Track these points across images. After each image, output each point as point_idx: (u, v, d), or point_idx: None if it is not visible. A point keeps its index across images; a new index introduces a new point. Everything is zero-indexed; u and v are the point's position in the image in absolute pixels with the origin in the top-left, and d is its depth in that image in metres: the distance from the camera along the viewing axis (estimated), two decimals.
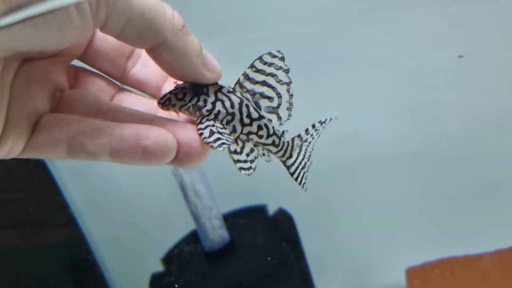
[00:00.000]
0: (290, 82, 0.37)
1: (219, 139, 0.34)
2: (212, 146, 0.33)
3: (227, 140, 0.34)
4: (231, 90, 0.37)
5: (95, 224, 1.16)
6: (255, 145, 0.39)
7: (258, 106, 0.37)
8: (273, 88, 0.37)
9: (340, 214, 1.13)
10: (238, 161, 0.37)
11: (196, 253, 1.00)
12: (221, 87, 0.37)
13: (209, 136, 0.34)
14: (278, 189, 1.13)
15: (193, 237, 1.02)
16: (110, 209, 1.18)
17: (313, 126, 0.41)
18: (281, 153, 0.40)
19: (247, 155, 0.38)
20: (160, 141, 0.31)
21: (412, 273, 0.99)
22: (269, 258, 0.95)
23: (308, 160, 0.42)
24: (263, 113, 0.37)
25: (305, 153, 0.41)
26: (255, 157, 0.39)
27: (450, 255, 1.01)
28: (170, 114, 0.37)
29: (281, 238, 1.00)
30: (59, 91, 0.35)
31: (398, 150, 1.04)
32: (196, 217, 0.97)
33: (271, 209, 1.09)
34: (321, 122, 0.41)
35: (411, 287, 0.97)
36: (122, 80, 0.39)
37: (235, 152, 0.37)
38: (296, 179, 0.41)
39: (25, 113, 0.33)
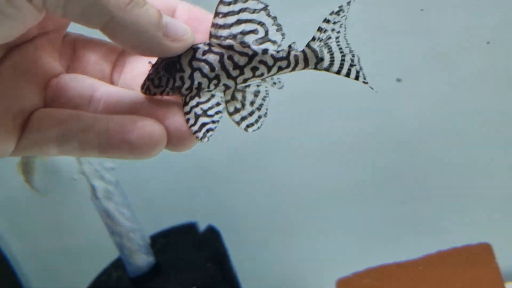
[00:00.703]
0: (266, 6, 0.33)
1: (204, 124, 0.32)
2: (197, 137, 0.31)
3: (212, 123, 0.32)
4: (206, 49, 0.33)
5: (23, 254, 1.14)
6: (259, 84, 0.35)
7: (245, 46, 0.33)
8: (251, 20, 0.33)
9: (269, 228, 1.11)
10: (242, 118, 0.34)
11: (122, 279, 0.98)
12: (195, 50, 0.33)
13: (195, 123, 0.32)
14: (209, 205, 1.12)
15: (120, 262, 1.00)
16: (39, 236, 1.15)
17: (326, 20, 0.35)
18: (300, 66, 0.34)
19: (252, 103, 0.35)
20: (145, 133, 0.30)
21: (342, 285, 0.98)
22: (193, 282, 0.93)
23: (353, 55, 0.36)
24: (253, 49, 0.33)
25: (340, 48, 0.35)
26: (264, 98, 0.35)
27: (380, 263, 0.99)
28: None
29: (208, 258, 0.98)
30: (54, 77, 0.34)
31: (328, 160, 1.03)
32: (118, 243, 0.95)
33: (202, 226, 1.07)
34: (336, 13, 0.35)
35: None
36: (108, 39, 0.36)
37: (236, 111, 0.34)
38: (348, 76, 0.36)
39: (12, 113, 0.32)
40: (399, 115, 0.97)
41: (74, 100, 0.33)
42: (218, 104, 0.33)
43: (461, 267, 0.91)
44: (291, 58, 0.34)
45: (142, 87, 0.34)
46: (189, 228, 1.07)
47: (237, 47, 0.33)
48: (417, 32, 0.89)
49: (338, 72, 0.36)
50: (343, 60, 0.35)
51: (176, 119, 0.32)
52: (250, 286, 1.04)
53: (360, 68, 0.36)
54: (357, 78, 0.36)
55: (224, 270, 1.00)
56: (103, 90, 0.34)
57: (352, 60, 0.36)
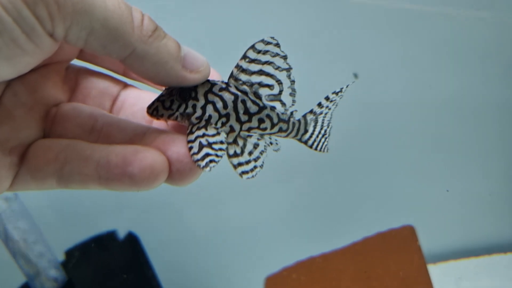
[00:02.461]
0: (290, 68, 0.34)
1: (207, 155, 0.31)
2: (199, 166, 0.31)
3: (216, 156, 0.32)
4: (223, 86, 0.33)
5: None
6: (260, 138, 0.35)
7: (258, 96, 0.33)
8: (271, 76, 0.33)
9: (194, 229, 1.07)
10: (239, 164, 0.34)
11: None
12: (213, 85, 0.33)
13: (198, 152, 0.31)
14: (128, 210, 1.06)
15: (28, 286, 0.92)
16: None
17: (327, 98, 0.37)
18: (293, 134, 0.36)
19: (250, 153, 0.35)
20: (146, 165, 0.29)
21: (271, 282, 0.95)
22: None
23: (328, 127, 0.38)
24: (264, 102, 0.34)
25: (323, 123, 0.38)
26: (261, 152, 0.35)
27: (308, 256, 0.97)
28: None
29: (126, 268, 0.93)
30: (54, 106, 0.33)
31: None
32: (21, 265, 0.88)
33: (122, 234, 1.02)
34: (336, 92, 0.37)
35: None
36: (125, 75, 0.36)
37: (235, 154, 0.34)
38: (316, 149, 0.38)
39: (8, 148, 0.31)
40: None
41: (74, 130, 0.33)
42: (222, 142, 0.33)
43: (386, 251, 0.90)
44: (290, 123, 0.36)
45: (150, 107, 0.33)
46: (108, 238, 1.01)
47: (251, 95, 0.34)
48: None
49: (311, 146, 0.38)
50: (319, 133, 0.38)
51: (178, 150, 0.31)
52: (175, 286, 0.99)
53: (328, 135, 0.39)
54: (316, 149, 0.38)
55: (145, 278, 0.94)
56: (104, 120, 0.33)
57: (325, 132, 0.38)
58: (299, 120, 0.36)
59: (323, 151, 0.38)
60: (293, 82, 0.35)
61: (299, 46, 0.84)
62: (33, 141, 0.32)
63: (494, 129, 0.96)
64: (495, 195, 1.00)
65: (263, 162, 0.35)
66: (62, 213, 1.04)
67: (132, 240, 0.99)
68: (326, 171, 1.00)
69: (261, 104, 0.34)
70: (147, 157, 0.29)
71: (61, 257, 0.95)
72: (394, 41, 0.91)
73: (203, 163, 0.31)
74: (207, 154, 0.31)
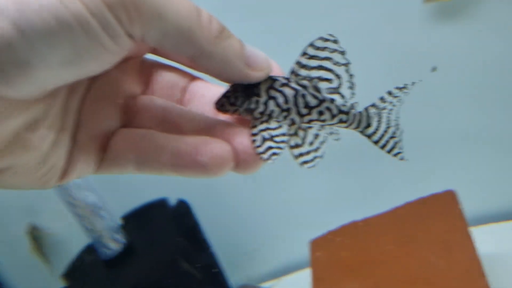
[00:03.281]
0: (348, 63, 0.35)
1: (270, 148, 0.34)
2: (262, 158, 0.33)
3: (278, 148, 0.34)
4: (284, 82, 0.35)
5: None
6: (320, 128, 0.37)
7: (317, 90, 0.35)
8: (330, 70, 0.35)
9: (240, 196, 1.11)
10: (300, 154, 0.36)
11: (95, 262, 0.98)
12: (274, 80, 0.35)
13: (261, 145, 0.34)
14: (177, 180, 1.11)
15: (92, 247, 1.00)
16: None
17: (390, 92, 0.38)
18: (354, 126, 0.37)
19: (311, 144, 0.36)
20: (216, 155, 0.32)
21: (316, 245, 0.99)
22: (165, 257, 0.93)
23: (397, 129, 0.39)
24: (324, 95, 0.36)
25: (388, 120, 0.39)
26: (322, 143, 0.37)
27: (351, 220, 1.00)
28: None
29: (179, 232, 0.99)
30: (132, 99, 0.36)
31: None
32: (86, 227, 0.94)
33: (172, 202, 1.07)
34: (399, 88, 0.38)
35: (314, 260, 0.97)
36: (193, 67, 0.38)
37: (296, 145, 0.36)
38: (383, 148, 0.39)
39: (94, 136, 0.34)
40: None
41: (149, 121, 0.35)
42: (284, 134, 0.35)
43: (428, 216, 0.93)
44: (351, 114, 0.36)
45: (217, 103, 0.36)
46: (160, 205, 1.07)
47: (311, 89, 0.35)
48: None
49: (376, 143, 0.39)
50: (385, 131, 0.38)
51: (244, 141, 0.34)
52: (225, 253, 1.05)
53: (400, 140, 0.39)
54: (390, 151, 0.39)
55: (196, 241, 1.00)
56: (176, 112, 0.36)
57: (394, 133, 0.39)
58: (360, 113, 0.37)
59: (396, 157, 0.39)
60: (351, 76, 0.36)
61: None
62: (115, 130, 0.35)
63: None
64: None
65: (323, 153, 0.37)
66: (117, 183, 1.10)
67: (183, 206, 1.04)
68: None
69: (320, 97, 0.35)
70: (216, 147, 0.32)
71: (118, 222, 1.02)
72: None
73: (266, 156, 0.33)
74: (270, 147, 0.34)
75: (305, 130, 0.36)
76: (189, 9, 0.30)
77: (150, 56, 0.39)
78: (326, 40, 0.35)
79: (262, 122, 0.35)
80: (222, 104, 0.35)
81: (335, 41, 0.35)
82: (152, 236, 0.99)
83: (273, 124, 0.35)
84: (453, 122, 1.02)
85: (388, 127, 0.39)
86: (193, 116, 0.36)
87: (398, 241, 0.92)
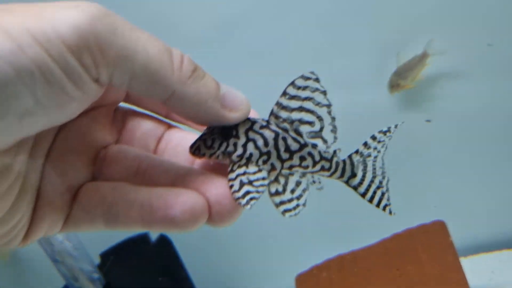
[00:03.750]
0: (330, 105, 0.34)
1: (248, 192, 0.31)
2: (240, 203, 0.31)
3: (257, 192, 0.31)
4: (264, 124, 0.33)
5: None
6: (302, 176, 0.35)
7: (299, 134, 0.33)
8: (312, 112, 0.33)
9: (223, 231, 1.08)
10: (281, 202, 0.34)
11: None
12: (253, 123, 0.33)
13: (239, 189, 0.31)
14: None
15: None
16: None
17: (374, 137, 0.36)
18: (337, 174, 0.35)
19: (292, 191, 0.34)
20: (187, 208, 0.30)
21: (301, 281, 0.96)
22: None
23: (383, 177, 0.37)
24: (305, 140, 0.34)
25: (374, 169, 0.37)
26: (304, 190, 0.35)
27: (337, 254, 0.97)
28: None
29: (161, 270, 0.95)
30: (103, 149, 0.34)
31: None
32: (62, 271, 0.90)
33: (153, 237, 1.03)
34: (383, 132, 0.37)
35: None
36: (169, 117, 0.37)
37: (277, 193, 0.34)
38: (371, 201, 0.37)
39: (60, 191, 0.32)
40: None
41: (121, 172, 0.34)
42: (264, 178, 0.33)
43: (417, 248, 0.90)
44: (333, 162, 0.35)
45: (192, 147, 0.34)
46: (141, 240, 1.03)
47: (292, 132, 0.33)
48: None
49: (363, 195, 0.36)
50: (371, 181, 0.36)
51: (217, 192, 0.31)
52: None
53: (387, 190, 0.37)
54: (378, 204, 0.37)
55: (178, 279, 0.96)
56: (148, 162, 0.34)
57: (380, 182, 0.37)
58: (344, 161, 0.35)
59: (385, 211, 0.37)
60: (334, 118, 0.34)
61: None
62: (83, 183, 0.33)
63: None
64: None
65: (306, 200, 0.34)
66: None
67: (164, 242, 1.01)
68: None
69: (302, 142, 0.34)
70: (189, 199, 0.30)
71: (96, 260, 0.98)
72: None
73: (244, 201, 0.31)
74: (248, 192, 0.31)
75: (286, 176, 0.34)
76: (159, 49, 0.28)
77: (125, 104, 0.38)
78: (307, 78, 0.33)
79: (240, 166, 0.33)
80: (197, 147, 0.34)
81: (316, 80, 0.33)
82: (133, 274, 0.95)
83: (251, 168, 0.33)
84: (440, 149, 1.00)
85: (374, 177, 0.37)
86: (167, 166, 0.34)
87: (387, 276, 0.89)
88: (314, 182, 0.36)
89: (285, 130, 0.33)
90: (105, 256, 1.01)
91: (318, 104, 0.33)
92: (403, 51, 0.93)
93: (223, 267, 1.11)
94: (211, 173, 0.33)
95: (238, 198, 0.31)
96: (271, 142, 0.33)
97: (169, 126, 0.37)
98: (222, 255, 1.10)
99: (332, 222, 1.05)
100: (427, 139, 0.98)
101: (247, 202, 0.31)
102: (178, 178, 0.33)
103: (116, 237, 1.04)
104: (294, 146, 0.33)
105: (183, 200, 0.30)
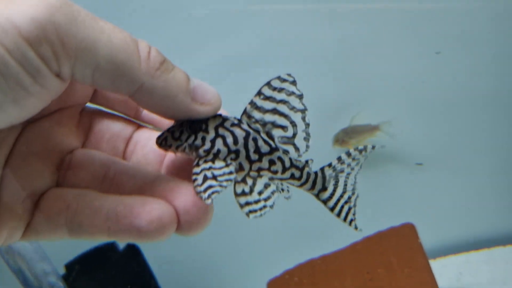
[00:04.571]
0: (305, 109, 0.32)
1: (210, 187, 0.30)
2: (201, 197, 0.29)
3: (220, 186, 0.30)
4: (235, 122, 0.32)
5: None
6: (270, 179, 0.33)
7: (270, 137, 0.32)
8: (286, 116, 0.32)
9: (192, 237, 1.06)
10: (247, 203, 0.32)
11: None
12: (225, 119, 0.32)
13: (201, 184, 0.30)
14: None
15: None
16: None
17: (348, 154, 0.35)
18: (308, 186, 0.34)
19: (260, 193, 0.33)
20: (154, 218, 0.28)
21: (273, 285, 0.95)
22: None
23: (353, 194, 0.36)
24: (277, 144, 0.32)
25: (345, 185, 0.35)
26: (273, 192, 0.33)
27: (309, 258, 0.97)
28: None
29: (129, 279, 0.92)
30: (69, 153, 0.33)
31: None
32: (23, 282, 0.87)
33: (121, 246, 1.01)
34: (359, 150, 0.35)
35: None
36: (137, 118, 0.35)
37: (243, 193, 0.32)
38: (338, 215, 0.35)
39: (21, 197, 0.30)
40: None
41: (87, 178, 0.32)
42: (230, 173, 0.31)
43: (387, 250, 0.90)
44: (304, 172, 0.33)
45: (159, 138, 0.32)
46: (108, 249, 1.00)
47: (264, 134, 0.32)
48: None
49: (331, 209, 0.35)
50: (340, 197, 0.35)
51: (185, 200, 0.30)
52: None
53: (354, 206, 0.36)
54: (345, 219, 0.36)
55: (145, 284, 0.94)
56: (115, 168, 0.33)
57: (349, 198, 0.36)
58: (316, 173, 0.34)
59: (351, 226, 0.36)
60: (307, 125, 0.33)
61: None
62: (46, 189, 0.32)
63: (491, 124, 0.97)
64: (494, 189, 1.01)
65: (273, 203, 0.33)
66: None
67: (132, 251, 0.99)
68: None
69: (273, 145, 0.32)
70: (155, 208, 0.29)
71: (61, 270, 0.95)
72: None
73: (205, 195, 0.30)
74: (211, 186, 0.30)
75: (254, 178, 0.33)
76: (124, 40, 0.27)
77: (91, 105, 0.36)
78: (284, 80, 0.32)
79: (206, 161, 0.31)
80: (164, 138, 0.32)
81: (293, 82, 0.32)
82: (100, 284, 0.93)
83: (218, 164, 0.31)
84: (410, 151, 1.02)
85: (344, 192, 0.36)
86: (135, 172, 0.33)
87: (357, 279, 0.89)
88: (282, 190, 0.34)
89: (257, 131, 0.32)
90: (70, 266, 0.98)
91: (293, 108, 0.32)
92: (358, 116, 0.98)
93: (194, 274, 1.09)
94: (179, 180, 0.32)
95: (200, 192, 0.30)
96: (241, 141, 0.32)
97: (138, 127, 0.36)
98: (192, 262, 1.08)
99: (303, 226, 1.05)
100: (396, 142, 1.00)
101: (208, 196, 0.30)
102: (146, 185, 0.32)
103: (82, 247, 1.01)
104: (264, 148, 0.32)
105: (150, 209, 0.29)
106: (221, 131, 0.32)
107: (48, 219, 0.31)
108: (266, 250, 1.06)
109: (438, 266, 0.92)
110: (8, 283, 0.90)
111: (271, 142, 0.32)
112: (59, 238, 0.31)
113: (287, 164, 0.33)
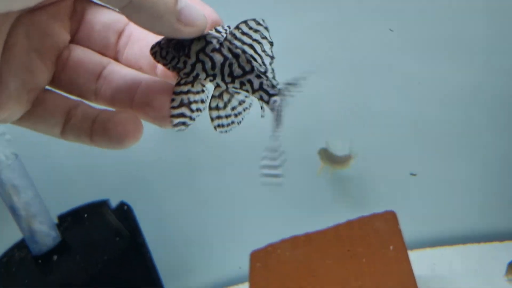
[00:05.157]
0: (273, 57, 0.35)
1: (183, 115, 0.33)
2: (172, 122, 0.33)
3: (190, 119, 0.34)
4: (216, 47, 0.34)
5: None
6: (247, 96, 0.36)
7: (249, 61, 0.34)
8: (259, 55, 0.34)
9: (183, 202, 1.10)
10: (218, 117, 0.35)
11: (25, 259, 0.93)
12: (207, 43, 0.34)
13: (177, 107, 0.33)
14: (121, 182, 1.09)
15: (24, 243, 0.95)
16: None
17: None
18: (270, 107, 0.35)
19: (233, 109, 0.36)
20: (125, 129, 0.33)
21: (256, 256, 0.98)
22: (101, 256, 0.89)
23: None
24: (254, 65, 0.34)
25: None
26: (245, 109, 0.36)
27: (292, 234, 1.00)
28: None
29: (118, 233, 0.95)
30: (66, 50, 0.35)
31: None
32: (17, 219, 0.90)
33: (114, 203, 1.04)
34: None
35: (254, 270, 0.96)
36: (116, 60, 0.37)
37: (216, 108, 0.35)
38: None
39: (28, 87, 0.33)
40: None
41: (84, 75, 0.35)
42: (202, 101, 0.35)
43: (368, 232, 0.94)
44: (272, 100, 0.34)
45: (152, 49, 0.35)
46: (101, 206, 1.03)
47: (242, 59, 0.34)
48: None
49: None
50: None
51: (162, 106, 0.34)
52: (163, 261, 1.02)
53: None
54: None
55: (136, 245, 0.97)
56: (109, 69, 0.35)
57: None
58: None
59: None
60: (273, 71, 0.35)
61: None
62: (44, 85, 0.34)
63: (471, 119, 1.01)
64: (471, 187, 1.05)
65: (242, 119, 0.36)
66: (59, 183, 1.07)
67: (124, 209, 1.02)
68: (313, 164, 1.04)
69: (247, 69, 0.34)
70: (128, 120, 0.33)
71: (54, 220, 0.97)
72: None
73: (175, 121, 0.34)
74: (183, 114, 0.34)
75: (231, 94, 0.36)
76: None
77: None
78: (259, 23, 0.34)
79: (186, 84, 0.34)
80: (154, 52, 0.35)
81: (266, 28, 0.34)
82: (90, 235, 0.96)
83: (196, 88, 0.35)
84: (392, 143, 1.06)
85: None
86: (125, 72, 0.36)
87: (337, 256, 0.93)
88: (261, 107, 0.36)
89: (237, 56, 0.34)
90: (63, 217, 1.01)
91: (264, 51, 0.35)
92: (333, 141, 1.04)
93: (181, 240, 1.13)
94: (163, 82, 0.35)
95: (173, 116, 0.33)
96: (218, 66, 0.34)
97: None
98: (180, 227, 1.11)
99: (291, 206, 1.09)
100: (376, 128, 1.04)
101: (177, 125, 0.34)
102: (133, 88, 0.35)
103: (76, 203, 1.04)
104: (237, 72, 0.34)
105: (123, 119, 0.33)
106: (201, 56, 0.34)
107: (46, 114, 0.34)
108: (251, 225, 1.09)
109: (414, 256, 0.95)
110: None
111: (246, 65, 0.34)
112: (51, 135, 0.35)
113: (256, 86, 0.34)
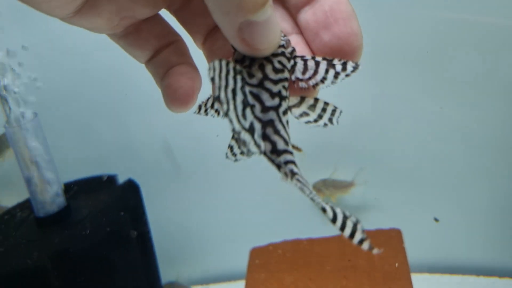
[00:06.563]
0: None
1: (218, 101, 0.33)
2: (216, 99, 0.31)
3: (218, 110, 0.38)
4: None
5: None
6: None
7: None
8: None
9: (192, 188, 1.09)
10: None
11: (27, 219, 0.92)
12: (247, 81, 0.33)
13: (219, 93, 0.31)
14: (130, 160, 1.08)
15: (28, 203, 0.94)
16: None
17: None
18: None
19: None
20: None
21: (256, 253, 0.98)
22: (103, 226, 0.89)
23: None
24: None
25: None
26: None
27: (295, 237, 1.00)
28: None
29: (122, 208, 0.95)
30: None
31: None
32: (27, 176, 0.89)
33: (122, 179, 1.04)
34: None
35: (252, 266, 0.95)
36: None
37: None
38: None
39: (121, 15, 0.35)
40: None
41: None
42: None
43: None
44: None
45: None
46: (107, 180, 1.03)
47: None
48: None
49: None
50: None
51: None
52: (162, 244, 1.01)
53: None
54: None
55: (137, 223, 0.97)
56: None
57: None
58: None
59: None
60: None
61: None
62: (144, 17, 0.36)
63: (478, 156, 1.02)
64: (472, 220, 1.05)
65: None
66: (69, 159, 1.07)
67: (131, 186, 1.01)
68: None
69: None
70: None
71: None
72: None
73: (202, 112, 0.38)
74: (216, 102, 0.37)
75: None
76: None
77: None
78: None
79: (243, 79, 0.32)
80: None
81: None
82: (95, 205, 0.95)
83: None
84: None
85: None
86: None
87: (338, 264, 0.93)
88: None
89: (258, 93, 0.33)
90: (69, 185, 1.00)
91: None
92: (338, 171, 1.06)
93: (183, 227, 1.12)
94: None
95: (218, 98, 0.30)
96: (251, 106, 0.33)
97: None
98: (184, 217, 1.11)
99: (295, 209, 1.08)
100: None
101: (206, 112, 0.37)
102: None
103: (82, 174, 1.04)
104: (270, 102, 0.34)
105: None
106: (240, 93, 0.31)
107: (135, 43, 0.37)
108: (254, 225, 1.09)
109: (416, 280, 0.96)
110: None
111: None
112: (138, 61, 0.38)
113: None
